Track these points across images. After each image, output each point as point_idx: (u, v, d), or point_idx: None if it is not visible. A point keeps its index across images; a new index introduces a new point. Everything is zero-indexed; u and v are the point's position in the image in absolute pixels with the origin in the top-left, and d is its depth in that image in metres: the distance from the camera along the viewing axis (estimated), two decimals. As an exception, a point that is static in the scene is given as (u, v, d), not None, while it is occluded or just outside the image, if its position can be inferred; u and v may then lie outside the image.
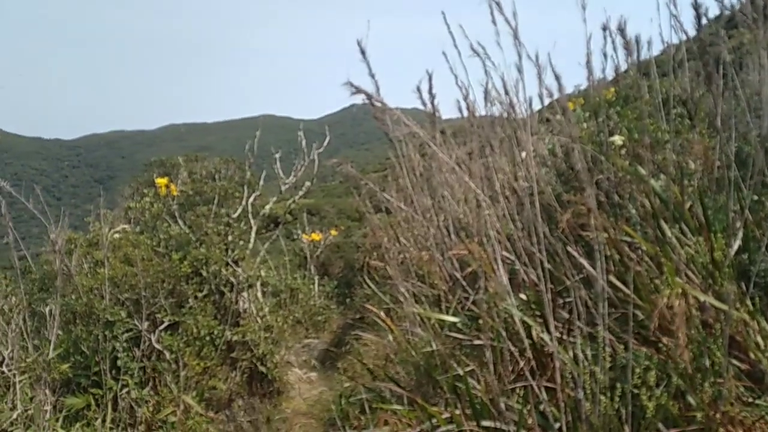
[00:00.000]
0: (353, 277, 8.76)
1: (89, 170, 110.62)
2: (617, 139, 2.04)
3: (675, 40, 2.65)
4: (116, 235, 3.94)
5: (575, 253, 1.98)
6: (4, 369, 2.91)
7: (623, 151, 2.22)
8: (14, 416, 2.73)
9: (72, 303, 3.37)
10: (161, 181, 4.21)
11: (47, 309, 3.30)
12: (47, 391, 2.95)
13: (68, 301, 3.38)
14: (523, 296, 2.18)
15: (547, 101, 3.18)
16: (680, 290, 1.48)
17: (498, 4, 2.24)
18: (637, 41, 2.33)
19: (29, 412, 2.81)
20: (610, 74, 2.97)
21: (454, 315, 2.44)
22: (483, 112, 3.14)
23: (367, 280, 4.03)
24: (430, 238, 3.20)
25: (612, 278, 1.91)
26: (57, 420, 2.99)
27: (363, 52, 2.48)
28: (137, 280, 3.41)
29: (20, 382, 2.83)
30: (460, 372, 2.00)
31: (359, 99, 2.32)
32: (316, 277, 8.42)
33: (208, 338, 3.91)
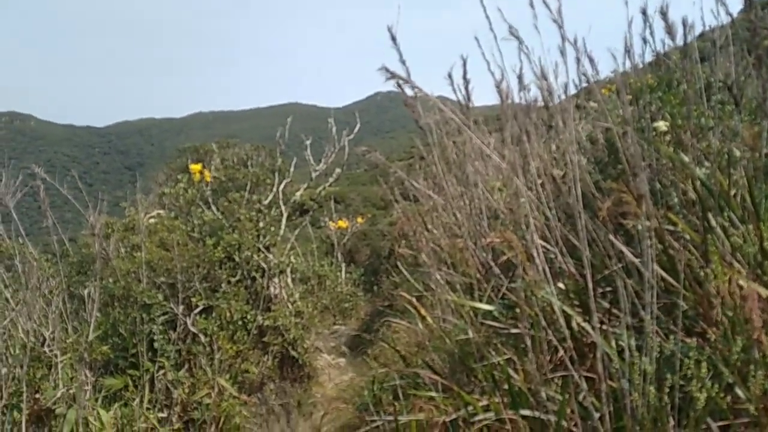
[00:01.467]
0: (380, 264, 8.78)
1: (120, 157, 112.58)
2: (661, 125, 1.98)
3: (716, 23, 2.57)
4: (152, 220, 4.00)
5: (617, 242, 1.94)
6: (46, 349, 2.99)
7: (667, 138, 2.16)
8: (58, 395, 2.81)
9: (110, 286, 3.44)
10: (195, 167, 4.26)
11: (86, 291, 3.37)
12: (87, 372, 3.03)
13: (106, 284, 3.45)
14: (561, 285, 2.15)
15: (579, 87, 3.12)
16: (736, 279, 1.43)
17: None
18: (684, 24, 2.26)
19: (71, 391, 2.88)
20: (648, 59, 2.90)
21: (488, 303, 2.42)
22: (517, 99, 3.09)
23: (398, 267, 4.02)
24: (462, 226, 3.17)
25: (656, 267, 1.87)
26: (96, 400, 3.07)
27: (393, 38, 2.46)
28: (173, 265, 3.46)
29: (62, 362, 2.91)
30: (498, 360, 1.99)
31: (384, 87, 2.30)
32: (343, 265, 8.46)
33: (240, 322, 3.96)
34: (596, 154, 2.86)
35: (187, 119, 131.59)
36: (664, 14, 2.64)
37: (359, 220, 10.11)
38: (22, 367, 2.74)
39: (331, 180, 5.50)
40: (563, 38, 2.07)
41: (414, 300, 3.05)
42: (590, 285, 1.87)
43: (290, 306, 4.57)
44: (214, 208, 4.36)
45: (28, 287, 2.99)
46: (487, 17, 2.51)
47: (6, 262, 3.46)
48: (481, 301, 2.51)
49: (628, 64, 2.79)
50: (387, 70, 2.29)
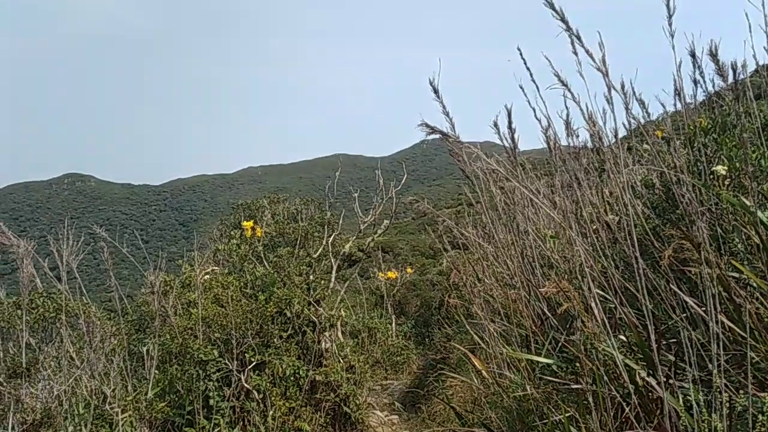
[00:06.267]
0: (430, 316, 8.67)
1: (174, 213, 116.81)
2: (720, 169, 1.92)
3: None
4: (206, 277, 4.11)
5: (680, 291, 1.87)
6: (108, 407, 3.06)
7: (726, 182, 2.10)
8: (117, 453, 2.85)
9: (168, 343, 3.52)
10: (248, 224, 4.38)
11: (144, 349, 3.45)
12: (147, 430, 3.07)
13: (164, 341, 3.53)
14: (622, 337, 2.07)
15: (629, 128, 3.07)
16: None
17: (578, 36, 2.21)
18: (734, 68, 2.22)
19: (131, 449, 2.92)
20: (699, 98, 2.84)
21: (546, 356, 2.34)
22: (564, 143, 3.07)
23: (449, 318, 3.97)
24: (515, 275, 3.12)
25: (722, 317, 1.78)
26: (154, 457, 3.10)
27: (436, 91, 2.50)
28: (228, 321, 3.52)
29: (122, 420, 2.96)
30: (559, 418, 1.91)
31: (431, 135, 2.33)
32: (393, 316, 8.39)
33: (292, 378, 3.95)
34: (652, 199, 2.79)
35: (238, 174, 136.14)
36: (714, 56, 2.61)
37: (408, 270, 10.07)
38: (86, 425, 2.81)
39: (380, 231, 5.54)
40: (609, 87, 2.06)
41: (468, 353, 2.99)
42: (653, 337, 1.79)
43: (341, 360, 4.54)
44: (265, 263, 4.44)
45: (92, 346, 3.09)
46: (528, 69, 2.54)
47: (71, 320, 3.60)
48: (538, 354, 2.44)
49: (678, 105, 2.74)
50: (427, 125, 2.32)
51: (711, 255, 1.72)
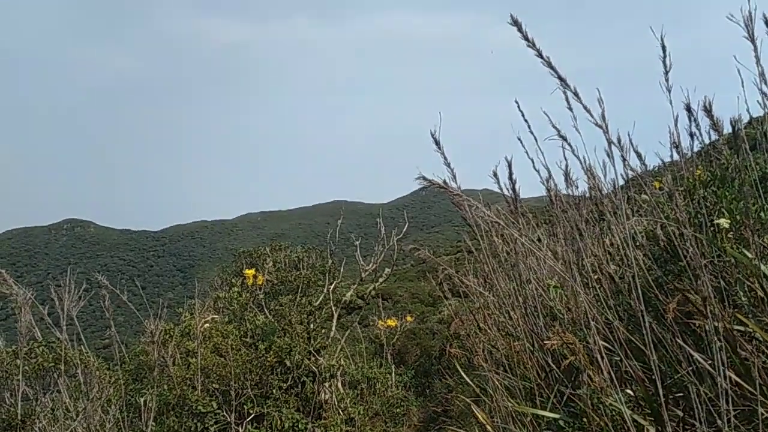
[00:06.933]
0: (431, 365, 8.54)
1: (172, 259, 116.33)
2: (723, 222, 1.95)
3: (762, 113, 2.56)
4: (206, 325, 4.07)
5: (685, 345, 1.86)
6: (102, 461, 2.98)
7: (729, 235, 2.12)
8: None
9: (166, 394, 3.46)
10: (249, 272, 4.37)
11: (142, 400, 3.39)
12: (142, 485, 2.98)
13: (162, 392, 3.47)
14: (629, 391, 2.04)
15: (627, 178, 3.11)
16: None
17: (576, 93, 2.27)
18: (733, 125, 2.27)
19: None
20: (696, 148, 2.89)
21: (552, 411, 2.30)
22: (564, 192, 3.11)
23: (450, 368, 3.91)
24: (518, 326, 3.10)
25: (729, 372, 1.77)
26: None
27: (437, 143, 2.54)
28: (227, 371, 3.47)
29: (117, 474, 2.88)
30: (568, 475, 1.87)
31: (430, 186, 2.36)
32: (393, 366, 8.26)
33: (291, 431, 3.87)
34: (653, 250, 2.80)
35: (238, 220, 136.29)
36: (708, 111, 2.67)
37: (408, 318, 9.98)
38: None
39: (381, 280, 5.53)
40: (609, 142, 2.11)
41: (474, 406, 2.94)
42: (661, 392, 1.77)
43: (341, 412, 4.45)
44: (266, 311, 4.42)
45: (89, 398, 3.04)
46: (526, 121, 2.60)
47: (69, 368, 3.55)
48: (543, 408, 2.40)
49: (675, 155, 2.80)
50: (425, 178, 2.35)
51: (714, 307, 1.72)
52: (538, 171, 2.94)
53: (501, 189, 3.00)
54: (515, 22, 2.13)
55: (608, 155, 2.20)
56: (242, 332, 4.12)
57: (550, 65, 2.17)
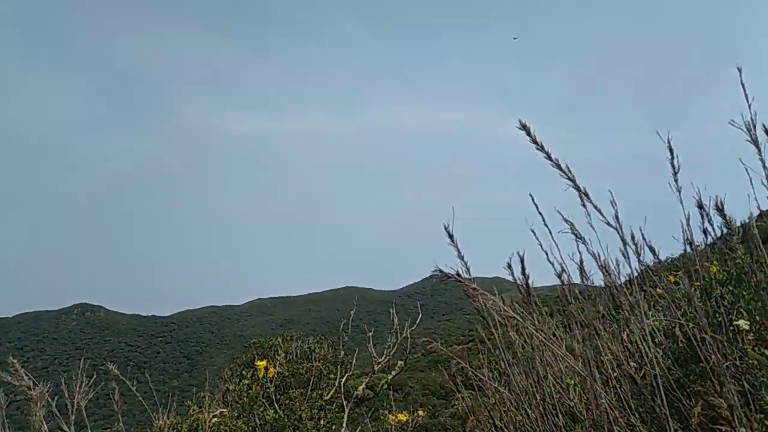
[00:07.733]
0: (445, 463, 8.16)
1: (179, 345, 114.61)
2: (742, 324, 1.94)
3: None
4: (215, 419, 3.98)
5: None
6: None
7: (750, 336, 2.10)
8: None
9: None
10: (261, 364, 4.32)
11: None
12: None
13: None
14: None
15: (641, 271, 3.12)
16: None
17: (586, 194, 2.34)
18: (744, 228, 2.32)
19: None
20: (708, 241, 2.92)
21: None
22: (577, 281, 3.11)
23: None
24: (536, 425, 3.00)
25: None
26: None
27: (451, 236, 2.59)
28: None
29: None
30: None
31: (445, 279, 2.38)
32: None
33: None
34: (672, 348, 2.76)
35: (247, 306, 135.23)
36: (720, 210, 2.73)
37: (420, 412, 9.65)
38: None
39: (393, 373, 5.42)
40: (624, 241, 2.15)
41: None
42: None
43: None
44: (276, 405, 4.32)
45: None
46: (540, 213, 2.67)
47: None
48: None
49: (688, 249, 2.83)
50: (441, 271, 2.38)
51: (743, 417, 1.69)
52: (552, 263, 2.96)
53: (514, 279, 3.02)
54: (524, 127, 2.24)
55: (624, 255, 2.23)
56: (251, 428, 4.01)
57: (559, 167, 2.25)
